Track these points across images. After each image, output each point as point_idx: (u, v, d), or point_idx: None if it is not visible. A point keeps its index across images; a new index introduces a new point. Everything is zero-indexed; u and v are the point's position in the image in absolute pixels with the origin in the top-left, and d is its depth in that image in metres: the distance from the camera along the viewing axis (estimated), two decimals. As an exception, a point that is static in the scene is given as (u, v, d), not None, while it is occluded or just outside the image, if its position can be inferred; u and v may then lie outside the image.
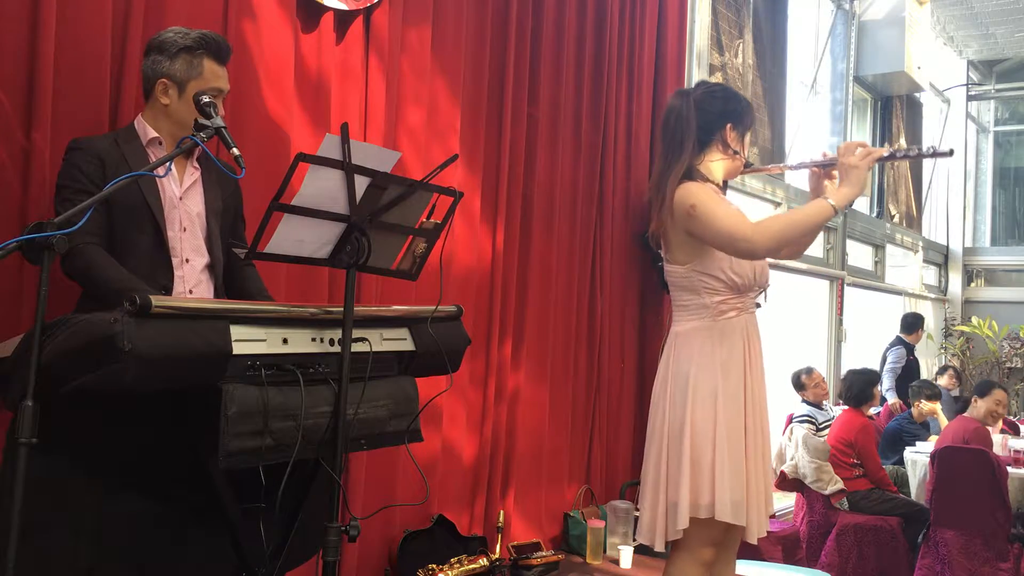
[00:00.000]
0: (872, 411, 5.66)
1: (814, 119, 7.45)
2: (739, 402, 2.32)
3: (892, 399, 6.91)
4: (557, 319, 4.07)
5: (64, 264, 1.98)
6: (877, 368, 6.83)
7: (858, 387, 5.00)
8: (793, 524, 4.95)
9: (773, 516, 2.46)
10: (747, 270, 2.35)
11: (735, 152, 2.44)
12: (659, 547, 2.34)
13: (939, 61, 9.54)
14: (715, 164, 2.44)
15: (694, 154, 2.40)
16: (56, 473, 1.73)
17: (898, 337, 7.49)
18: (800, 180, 7.07)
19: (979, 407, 4.84)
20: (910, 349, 7.39)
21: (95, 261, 1.95)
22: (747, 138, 2.49)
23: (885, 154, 2.29)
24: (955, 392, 7.46)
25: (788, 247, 2.35)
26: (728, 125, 2.43)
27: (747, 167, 2.49)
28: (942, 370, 7.93)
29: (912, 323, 7.48)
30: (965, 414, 4.88)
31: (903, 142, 8.79)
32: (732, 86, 5.55)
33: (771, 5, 6.23)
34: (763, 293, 2.46)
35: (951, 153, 2.39)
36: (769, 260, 2.44)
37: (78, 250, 1.93)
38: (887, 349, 7.48)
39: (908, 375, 7.17)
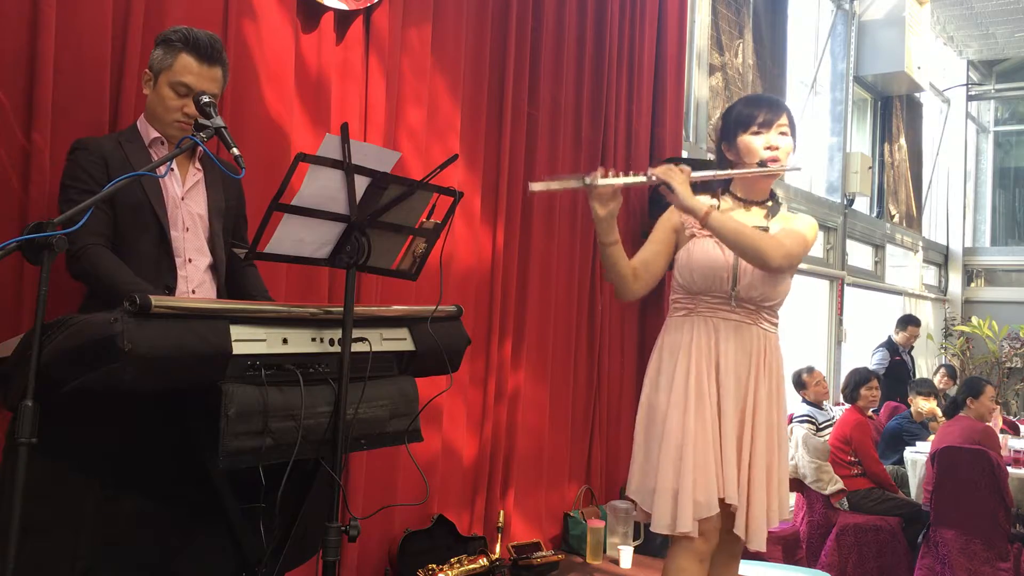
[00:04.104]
0: (871, 411, 5.68)
1: (814, 119, 7.45)
2: (666, 393, 2.37)
3: None
4: (557, 319, 4.07)
5: (70, 266, 1.98)
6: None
7: (851, 386, 5.12)
8: (793, 524, 4.95)
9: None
10: (685, 272, 2.41)
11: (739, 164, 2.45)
12: (642, 519, 2.52)
13: (939, 61, 9.54)
14: (737, 179, 2.48)
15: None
16: (56, 473, 1.73)
17: (889, 337, 7.48)
18: (799, 181, 7.07)
19: (976, 408, 4.83)
20: (895, 350, 7.36)
21: (101, 263, 1.95)
22: (745, 143, 2.40)
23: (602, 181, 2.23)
24: (951, 391, 7.44)
25: (612, 280, 2.42)
26: (722, 144, 2.50)
27: (760, 164, 2.40)
28: (936, 370, 7.92)
29: (902, 322, 7.45)
30: (962, 414, 4.87)
31: (903, 142, 8.80)
32: (732, 86, 5.57)
33: (771, 5, 6.23)
34: (736, 300, 2.40)
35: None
36: (747, 268, 2.40)
37: (84, 252, 1.93)
38: (874, 351, 7.48)
39: (896, 376, 7.14)
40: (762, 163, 2.38)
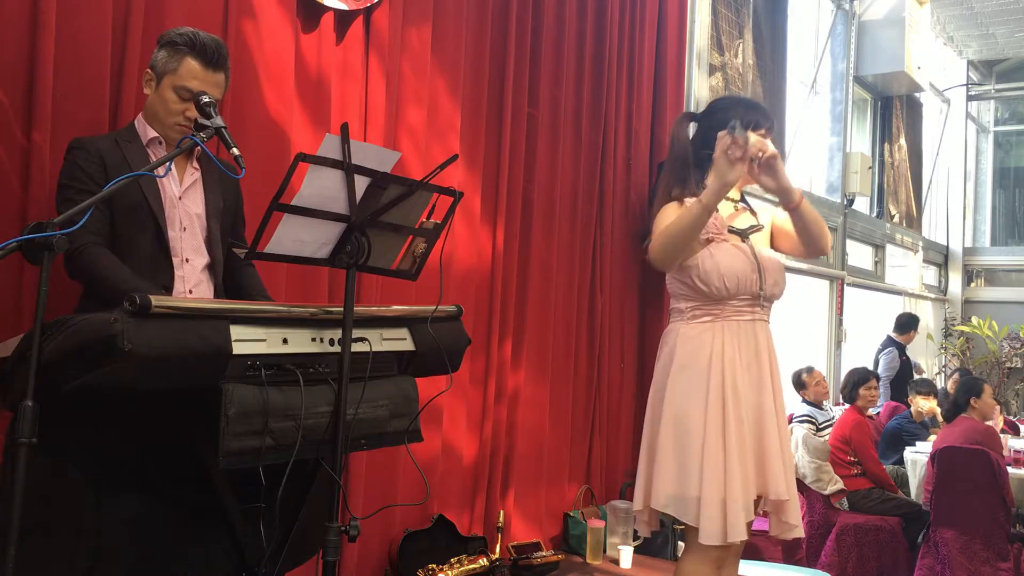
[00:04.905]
0: (871, 411, 5.68)
1: (814, 119, 7.45)
2: (696, 402, 2.33)
3: (884, 401, 6.91)
4: (557, 319, 4.07)
5: (68, 265, 1.97)
6: (871, 368, 6.83)
7: (850, 386, 5.11)
8: (793, 524, 4.95)
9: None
10: (713, 280, 2.36)
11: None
12: (643, 532, 2.51)
13: (939, 61, 9.54)
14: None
15: (703, 171, 2.45)
16: (56, 473, 1.73)
17: (889, 337, 7.46)
18: (799, 180, 7.08)
19: (980, 408, 4.83)
20: (902, 349, 7.38)
21: (99, 261, 1.95)
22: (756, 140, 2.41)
23: (728, 138, 2.25)
24: None
25: (673, 250, 2.31)
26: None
27: None
28: (950, 374, 7.91)
29: (906, 323, 7.45)
30: (965, 415, 4.87)
31: (903, 142, 8.80)
32: (732, 86, 5.57)
33: (771, 5, 6.23)
34: (761, 301, 2.43)
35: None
36: (768, 267, 2.42)
37: (81, 250, 1.93)
38: (879, 352, 7.47)
39: (901, 376, 7.16)
40: None
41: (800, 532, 2.40)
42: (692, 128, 2.60)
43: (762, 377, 2.39)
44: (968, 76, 10.40)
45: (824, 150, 7.63)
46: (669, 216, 2.38)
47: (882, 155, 8.52)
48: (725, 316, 2.39)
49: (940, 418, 6.01)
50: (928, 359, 9.43)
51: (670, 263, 2.36)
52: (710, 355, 2.36)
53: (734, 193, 2.52)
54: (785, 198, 2.38)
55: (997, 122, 11.31)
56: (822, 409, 5.22)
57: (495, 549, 3.59)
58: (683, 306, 2.44)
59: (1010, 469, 4.65)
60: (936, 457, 4.48)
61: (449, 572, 3.26)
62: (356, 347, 1.88)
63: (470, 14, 3.60)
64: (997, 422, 5.55)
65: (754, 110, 2.47)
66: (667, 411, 2.37)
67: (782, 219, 2.55)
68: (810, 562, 4.68)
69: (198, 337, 1.65)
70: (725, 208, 2.47)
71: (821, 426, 5.06)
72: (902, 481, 5.46)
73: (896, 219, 8.74)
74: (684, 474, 2.31)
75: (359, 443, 1.95)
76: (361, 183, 1.85)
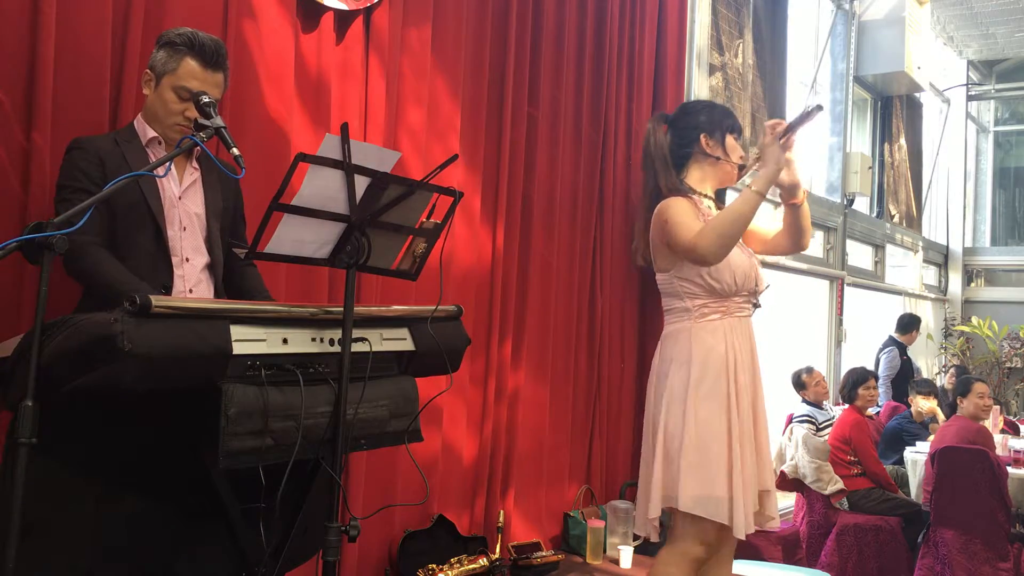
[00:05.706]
0: (871, 411, 5.68)
1: (814, 119, 7.44)
2: (717, 401, 2.36)
3: (884, 401, 6.92)
4: (557, 319, 4.07)
5: (66, 264, 1.97)
6: (871, 367, 6.84)
7: (848, 386, 5.11)
8: (793, 524, 4.95)
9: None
10: (725, 276, 2.39)
11: (717, 159, 2.53)
12: (653, 538, 2.48)
13: (939, 61, 9.54)
14: (702, 175, 2.56)
15: (677, 170, 2.55)
16: (56, 473, 1.73)
17: (891, 337, 7.48)
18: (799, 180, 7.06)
19: (966, 407, 4.83)
20: (903, 349, 7.39)
21: (98, 261, 1.95)
22: (732, 142, 2.56)
23: (783, 127, 2.36)
24: None
25: (730, 241, 2.31)
26: (702, 136, 2.54)
27: (741, 170, 2.56)
28: (947, 370, 7.93)
29: (908, 324, 7.49)
30: (958, 413, 4.88)
31: (903, 142, 8.81)
32: (732, 86, 5.57)
33: (771, 5, 6.23)
34: (755, 296, 2.50)
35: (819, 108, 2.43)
36: (769, 260, 2.52)
37: (81, 250, 1.93)
38: (880, 351, 7.49)
39: (902, 375, 7.17)
40: (742, 166, 2.57)
41: (777, 524, 2.49)
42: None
43: (754, 372, 2.46)
44: (968, 76, 10.40)
45: (824, 150, 7.63)
46: (679, 207, 2.42)
47: (882, 155, 8.51)
48: (730, 312, 2.43)
49: (940, 418, 6.02)
50: (928, 359, 9.43)
51: (724, 255, 2.33)
52: (725, 355, 2.39)
53: (708, 191, 2.58)
54: (793, 193, 2.47)
55: (997, 122, 11.31)
56: (822, 409, 5.22)
57: (495, 549, 3.59)
58: (689, 304, 2.45)
59: (1010, 469, 4.65)
60: (935, 457, 4.48)
61: (449, 572, 3.26)
62: (356, 347, 1.89)
63: (470, 14, 3.60)
64: (997, 422, 5.55)
65: (730, 116, 2.60)
66: (690, 414, 2.37)
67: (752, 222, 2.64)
68: (810, 562, 4.68)
69: (198, 337, 1.65)
70: (714, 209, 2.54)
71: (821, 426, 5.06)
72: (902, 481, 5.46)
73: (896, 219, 8.74)
74: (712, 474, 2.33)
75: (359, 443, 1.95)
76: (361, 183, 1.85)
